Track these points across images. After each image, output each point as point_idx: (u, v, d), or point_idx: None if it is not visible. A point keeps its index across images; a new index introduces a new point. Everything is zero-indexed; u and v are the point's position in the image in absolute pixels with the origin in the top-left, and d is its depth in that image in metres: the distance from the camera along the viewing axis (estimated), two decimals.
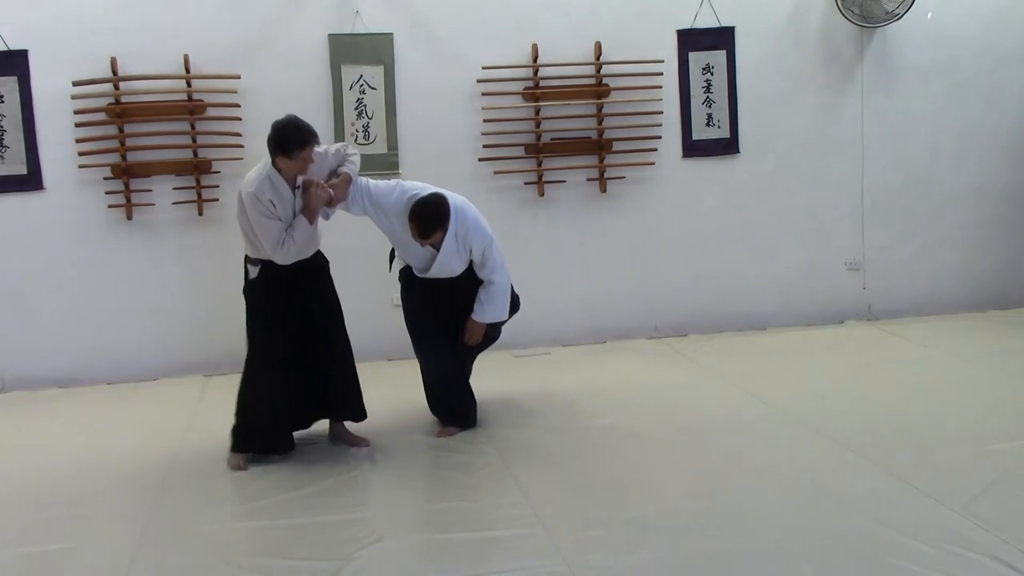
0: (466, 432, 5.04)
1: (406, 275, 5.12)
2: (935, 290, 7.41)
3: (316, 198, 4.65)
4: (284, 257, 4.56)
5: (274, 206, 4.49)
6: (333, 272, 6.58)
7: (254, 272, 4.69)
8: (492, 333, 5.24)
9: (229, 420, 4.82)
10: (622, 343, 6.94)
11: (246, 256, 4.74)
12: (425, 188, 4.88)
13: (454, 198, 4.90)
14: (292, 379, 4.72)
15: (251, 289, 4.75)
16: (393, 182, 4.95)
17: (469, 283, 5.00)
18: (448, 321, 5.05)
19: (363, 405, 4.95)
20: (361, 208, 4.88)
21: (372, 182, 4.91)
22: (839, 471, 4.26)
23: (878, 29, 7.04)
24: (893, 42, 7.14)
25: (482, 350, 5.31)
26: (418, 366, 5.18)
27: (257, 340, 4.73)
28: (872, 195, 7.26)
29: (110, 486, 4.52)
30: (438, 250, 4.85)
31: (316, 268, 4.85)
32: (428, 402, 5.19)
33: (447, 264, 4.89)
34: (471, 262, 4.96)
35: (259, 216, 4.49)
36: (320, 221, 4.78)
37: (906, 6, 6.79)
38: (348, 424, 4.98)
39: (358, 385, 4.95)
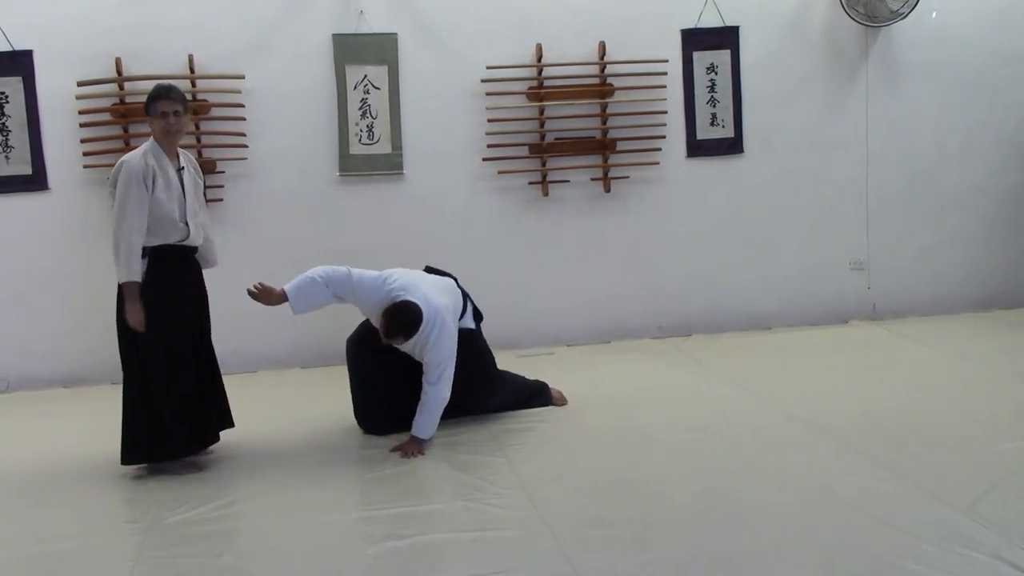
0: (470, 431, 5.04)
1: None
2: (940, 290, 7.40)
3: (261, 295, 4.75)
4: (122, 245, 4.37)
5: (153, 182, 4.40)
6: None
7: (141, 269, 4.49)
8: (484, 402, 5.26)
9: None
10: (626, 343, 6.93)
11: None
12: (412, 289, 4.79)
13: (436, 304, 4.78)
14: (183, 389, 4.59)
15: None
16: (384, 275, 4.87)
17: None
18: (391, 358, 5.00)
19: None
20: (342, 298, 4.88)
21: (360, 274, 4.86)
22: (843, 471, 4.25)
23: (883, 28, 7.04)
24: (898, 41, 7.13)
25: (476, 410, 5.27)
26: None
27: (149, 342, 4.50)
28: (876, 194, 7.26)
29: (115, 485, 4.52)
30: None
31: (197, 272, 4.76)
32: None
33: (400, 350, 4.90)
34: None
35: (128, 189, 4.36)
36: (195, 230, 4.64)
37: (911, 5, 6.77)
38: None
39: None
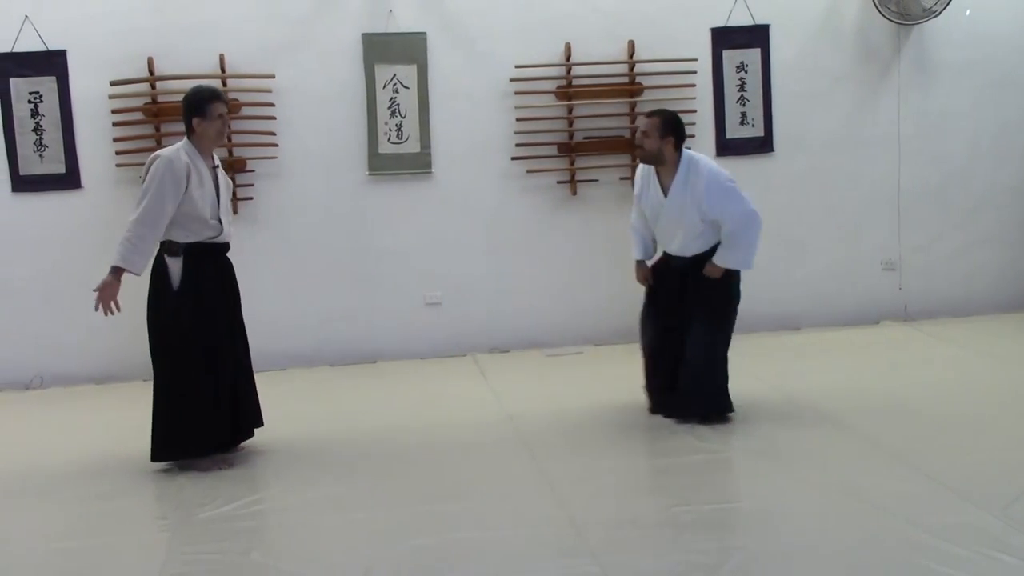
0: (495, 431, 5.05)
1: (654, 269, 5.31)
2: (972, 290, 7.32)
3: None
4: (133, 232, 4.43)
5: (188, 179, 4.44)
6: (366, 273, 6.65)
7: (175, 265, 4.53)
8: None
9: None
10: None
11: (163, 247, 4.57)
12: None
13: (696, 153, 5.12)
14: (217, 384, 4.62)
15: (165, 288, 4.54)
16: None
17: (697, 289, 5.04)
18: (672, 316, 5.11)
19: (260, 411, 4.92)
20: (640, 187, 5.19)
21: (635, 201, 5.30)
22: (873, 472, 4.21)
23: (915, 26, 6.97)
24: (930, 39, 7.06)
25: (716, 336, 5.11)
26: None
27: (184, 342, 4.53)
28: (908, 194, 7.18)
29: (144, 482, 4.56)
30: (665, 193, 5.01)
31: (229, 269, 4.79)
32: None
33: (675, 209, 4.99)
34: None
35: (159, 183, 4.39)
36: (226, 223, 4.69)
37: (944, 3, 6.70)
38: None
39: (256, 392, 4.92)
